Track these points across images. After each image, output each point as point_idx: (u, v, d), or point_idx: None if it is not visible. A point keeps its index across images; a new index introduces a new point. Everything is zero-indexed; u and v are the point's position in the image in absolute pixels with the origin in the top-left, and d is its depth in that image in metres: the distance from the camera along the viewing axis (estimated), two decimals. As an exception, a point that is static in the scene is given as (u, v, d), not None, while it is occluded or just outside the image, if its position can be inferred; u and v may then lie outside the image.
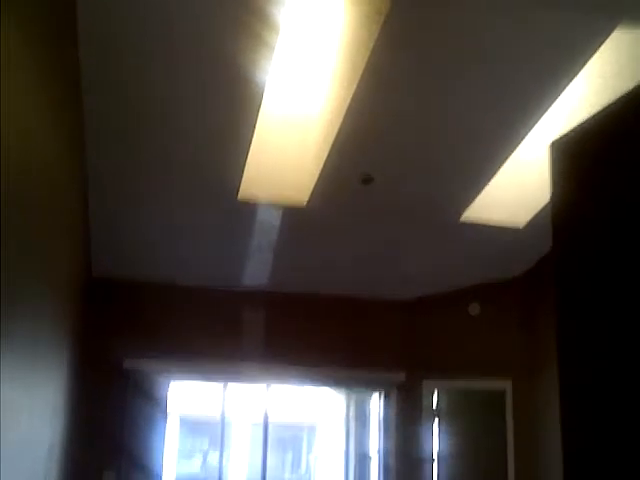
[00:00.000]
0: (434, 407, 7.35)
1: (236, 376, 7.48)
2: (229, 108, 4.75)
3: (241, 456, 10.63)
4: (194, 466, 11.30)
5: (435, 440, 7.34)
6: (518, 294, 7.16)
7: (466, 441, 7.23)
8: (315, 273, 6.98)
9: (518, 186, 5.98)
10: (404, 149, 5.24)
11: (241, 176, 5.46)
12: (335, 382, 7.67)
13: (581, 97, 5.08)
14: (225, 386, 7.83)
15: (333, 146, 5.14)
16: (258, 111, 4.84)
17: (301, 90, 5.55)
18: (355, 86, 4.60)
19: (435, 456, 7.30)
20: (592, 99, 4.83)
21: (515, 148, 5.38)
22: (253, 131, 5.01)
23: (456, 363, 7.19)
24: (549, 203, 5.87)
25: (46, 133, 3.72)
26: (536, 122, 5.12)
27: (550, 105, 4.96)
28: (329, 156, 5.24)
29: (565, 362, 1.82)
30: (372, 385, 7.61)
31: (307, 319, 7.40)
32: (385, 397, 7.53)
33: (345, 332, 7.42)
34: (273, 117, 5.53)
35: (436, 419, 7.35)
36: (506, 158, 5.46)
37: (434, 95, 4.72)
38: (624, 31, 4.38)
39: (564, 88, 4.81)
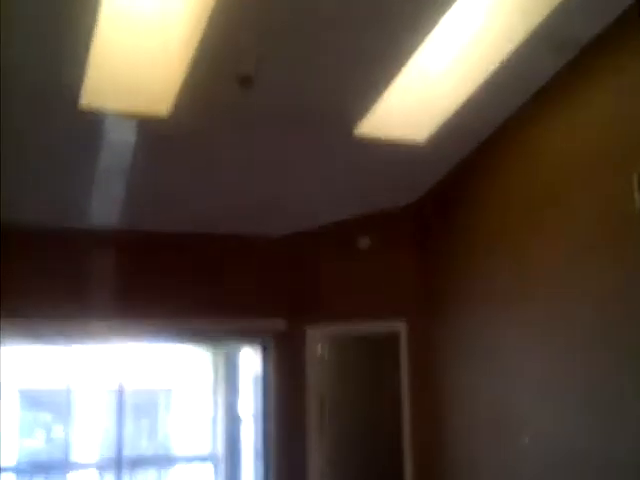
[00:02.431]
0: (319, 356, 6.48)
1: (82, 336, 6.33)
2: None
3: (91, 427, 9.40)
4: (37, 443, 9.93)
5: (320, 392, 6.49)
6: (414, 224, 6.39)
7: (358, 390, 6.48)
8: (177, 205, 5.93)
9: (420, 98, 5.14)
10: (289, 43, 4.24)
11: (82, 77, 4.28)
12: (201, 336, 6.64)
13: None
14: (69, 349, 6.64)
15: (203, 38, 4.06)
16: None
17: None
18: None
19: (321, 411, 6.45)
20: None
21: (417, 48, 4.51)
22: (96, 15, 3.81)
23: (344, 305, 6.38)
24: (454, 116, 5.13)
25: None
26: (440, 18, 4.27)
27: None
28: (198, 50, 4.16)
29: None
30: (246, 337, 6.64)
31: (166, 264, 6.33)
32: (263, 350, 6.58)
33: (213, 277, 6.42)
34: (123, -2, 4.35)
35: (322, 369, 6.49)
36: (406, 60, 4.59)
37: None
38: None
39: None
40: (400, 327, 6.24)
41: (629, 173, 4.25)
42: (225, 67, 4.34)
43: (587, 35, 4.57)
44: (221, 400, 7.96)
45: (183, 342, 7.11)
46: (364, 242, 6.28)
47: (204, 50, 4.12)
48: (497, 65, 4.75)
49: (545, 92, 5.04)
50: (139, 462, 8.51)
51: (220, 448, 7.86)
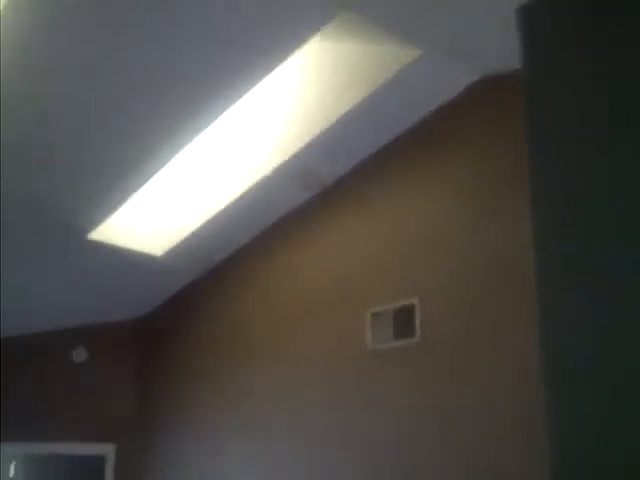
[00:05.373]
0: (11, 477, 5.76)
1: None
2: None
3: None
4: None
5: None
6: (135, 340, 6.09)
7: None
8: None
9: (162, 213, 5.07)
10: (23, 143, 3.95)
11: None
12: None
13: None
14: None
15: None
16: None
17: None
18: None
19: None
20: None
21: (159, 169, 4.49)
22: None
23: (47, 422, 5.76)
24: (189, 237, 5.09)
25: None
26: (188, 142, 4.30)
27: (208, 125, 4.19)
28: None
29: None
30: None
31: None
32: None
33: None
34: None
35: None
36: (148, 178, 4.54)
37: (76, 78, 3.60)
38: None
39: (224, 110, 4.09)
40: (108, 450, 5.80)
41: (364, 311, 4.46)
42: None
43: (332, 174, 4.84)
44: None
45: None
46: (80, 354, 5.84)
47: None
48: (240, 193, 4.84)
49: (287, 224, 5.17)
50: None
51: None
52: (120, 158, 4.26)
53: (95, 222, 4.74)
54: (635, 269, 1.16)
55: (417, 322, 4.13)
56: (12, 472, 5.74)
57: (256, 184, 4.76)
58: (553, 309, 1.29)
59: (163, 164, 4.46)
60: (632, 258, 1.17)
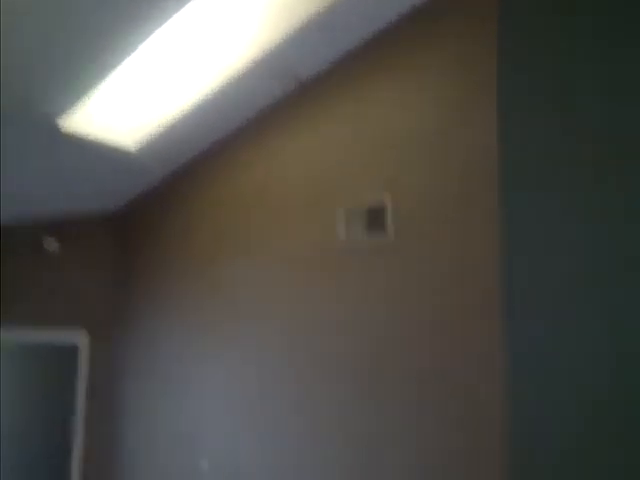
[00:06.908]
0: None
1: None
2: None
3: None
4: None
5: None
6: (108, 233, 6.07)
7: (27, 404, 5.94)
8: None
9: (135, 105, 4.90)
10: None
11: None
12: None
13: None
14: None
15: None
16: None
17: None
18: None
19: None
20: None
21: (132, 52, 4.28)
22: None
23: (20, 309, 5.78)
24: (164, 131, 4.94)
25: None
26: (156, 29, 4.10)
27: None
28: None
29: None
30: None
31: None
32: None
33: None
34: None
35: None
36: (117, 64, 4.33)
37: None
38: None
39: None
40: (82, 339, 5.84)
41: (338, 208, 4.49)
42: None
43: (306, 72, 4.70)
44: None
45: None
46: (51, 244, 5.78)
47: None
48: (216, 86, 4.70)
49: (260, 121, 5.11)
50: None
51: None
52: (90, 43, 4.06)
53: (67, 110, 4.58)
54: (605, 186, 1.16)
55: (389, 220, 4.18)
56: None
57: (231, 79, 4.65)
58: (519, 232, 1.29)
59: (125, 55, 4.25)
60: (605, 175, 1.17)
